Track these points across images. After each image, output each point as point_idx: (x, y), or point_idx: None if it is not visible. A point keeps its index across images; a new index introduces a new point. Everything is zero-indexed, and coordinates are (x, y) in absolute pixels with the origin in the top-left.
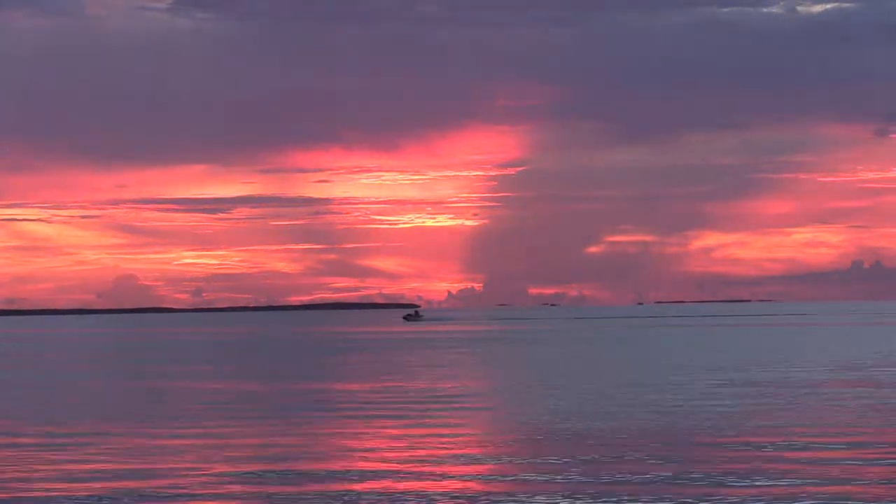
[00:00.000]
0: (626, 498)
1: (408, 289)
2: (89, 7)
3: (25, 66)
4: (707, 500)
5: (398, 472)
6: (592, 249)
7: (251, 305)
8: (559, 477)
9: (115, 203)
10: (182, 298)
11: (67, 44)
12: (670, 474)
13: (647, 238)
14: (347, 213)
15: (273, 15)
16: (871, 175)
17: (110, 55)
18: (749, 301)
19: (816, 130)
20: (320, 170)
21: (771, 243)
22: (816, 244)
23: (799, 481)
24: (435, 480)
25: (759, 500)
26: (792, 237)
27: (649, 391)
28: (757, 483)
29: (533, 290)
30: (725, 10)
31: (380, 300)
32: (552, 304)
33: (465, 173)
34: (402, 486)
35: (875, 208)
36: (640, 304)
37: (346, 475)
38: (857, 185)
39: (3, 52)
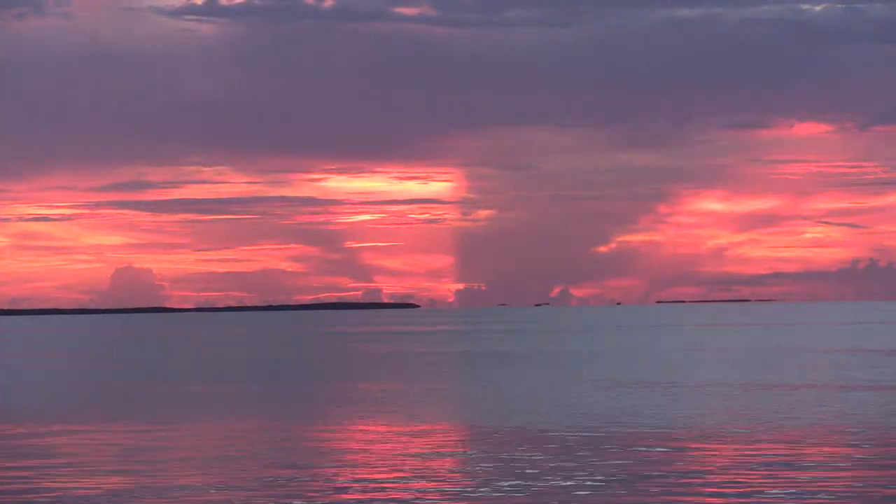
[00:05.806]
0: None
1: (410, 288)
2: (87, 8)
3: (25, 66)
4: None
5: None
6: (598, 249)
7: (253, 305)
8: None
9: (116, 203)
10: (183, 298)
11: (66, 43)
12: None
13: (649, 238)
14: (348, 213)
15: (272, 15)
16: (871, 174)
17: (110, 56)
18: (748, 301)
19: (818, 129)
20: (321, 169)
21: (772, 243)
22: (817, 244)
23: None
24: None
25: None
26: (793, 237)
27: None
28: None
29: (536, 290)
30: (725, 10)
31: (383, 299)
32: (538, 304)
33: (465, 173)
34: None
35: (876, 207)
36: (618, 303)
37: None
38: (859, 185)
39: (2, 53)
